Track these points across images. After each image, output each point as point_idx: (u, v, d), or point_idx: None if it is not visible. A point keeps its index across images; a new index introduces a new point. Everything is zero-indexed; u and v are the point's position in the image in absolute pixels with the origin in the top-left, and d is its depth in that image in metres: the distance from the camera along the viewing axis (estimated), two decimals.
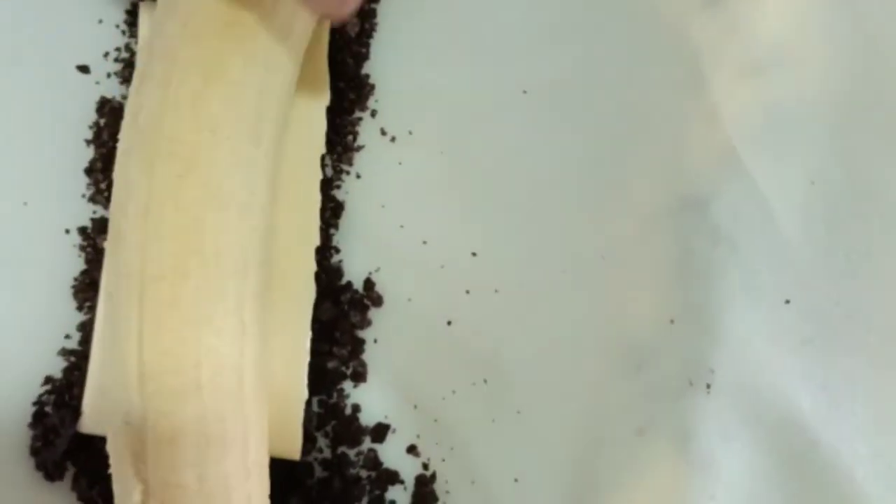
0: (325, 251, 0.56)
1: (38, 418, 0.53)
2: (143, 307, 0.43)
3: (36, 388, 0.54)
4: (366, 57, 0.59)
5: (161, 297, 0.43)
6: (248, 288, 0.46)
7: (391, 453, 0.55)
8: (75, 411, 0.52)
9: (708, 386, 0.54)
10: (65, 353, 0.54)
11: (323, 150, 0.55)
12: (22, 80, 0.57)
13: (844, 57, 0.57)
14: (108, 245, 0.48)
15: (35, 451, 0.53)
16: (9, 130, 0.56)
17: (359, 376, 0.56)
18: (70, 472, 0.53)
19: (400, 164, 0.58)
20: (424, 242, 0.57)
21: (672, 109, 0.58)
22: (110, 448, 0.45)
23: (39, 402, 0.53)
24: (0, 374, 0.53)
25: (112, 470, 0.45)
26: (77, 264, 0.55)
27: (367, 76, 0.59)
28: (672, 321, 0.55)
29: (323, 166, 0.56)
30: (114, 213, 0.46)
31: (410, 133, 0.58)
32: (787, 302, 0.55)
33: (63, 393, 0.53)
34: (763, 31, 0.58)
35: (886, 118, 0.56)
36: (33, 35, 0.57)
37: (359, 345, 0.56)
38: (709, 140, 0.57)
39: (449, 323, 0.56)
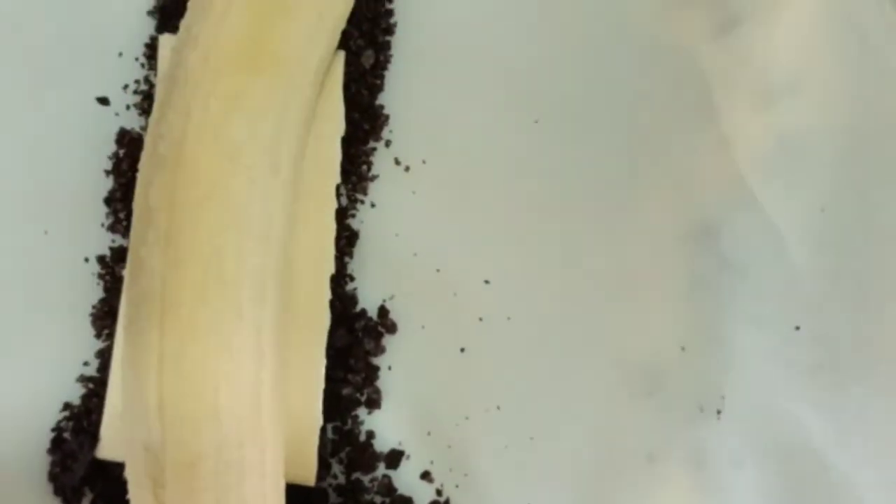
0: (340, 279, 0.57)
1: (57, 444, 0.54)
2: (162, 333, 0.44)
3: (55, 415, 0.54)
4: (380, 88, 0.60)
5: (181, 323, 0.44)
6: (267, 315, 0.46)
7: (405, 479, 0.55)
8: (93, 437, 0.53)
9: (718, 412, 0.55)
10: (83, 379, 0.55)
11: (338, 179, 0.55)
12: (43, 111, 0.57)
13: (854, 87, 0.58)
14: (128, 272, 0.48)
15: (53, 477, 0.53)
16: (31, 161, 0.57)
17: (373, 403, 0.56)
18: (88, 498, 0.53)
19: (414, 193, 0.58)
20: (438, 270, 0.57)
21: (683, 137, 0.58)
22: (129, 473, 0.46)
23: (58, 429, 0.54)
24: (20, 401, 0.54)
25: (130, 495, 0.46)
26: (96, 292, 0.56)
27: (382, 107, 0.59)
28: (683, 348, 0.56)
29: (338, 195, 0.56)
30: (133, 241, 0.47)
31: (424, 163, 0.59)
32: (797, 328, 0.56)
33: (81, 419, 0.54)
34: (774, 61, 0.59)
35: (892, 144, 0.57)
36: (54, 67, 0.58)
37: (373, 372, 0.56)
38: (719, 167, 0.58)
39: (462, 350, 0.56)
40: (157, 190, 0.46)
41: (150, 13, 0.60)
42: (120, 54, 0.59)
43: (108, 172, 0.57)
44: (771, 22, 0.59)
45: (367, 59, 0.59)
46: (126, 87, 0.58)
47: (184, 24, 0.51)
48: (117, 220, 0.56)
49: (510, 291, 0.57)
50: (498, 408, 0.56)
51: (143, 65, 0.59)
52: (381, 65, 0.60)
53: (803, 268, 0.56)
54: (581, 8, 0.60)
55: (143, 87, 0.58)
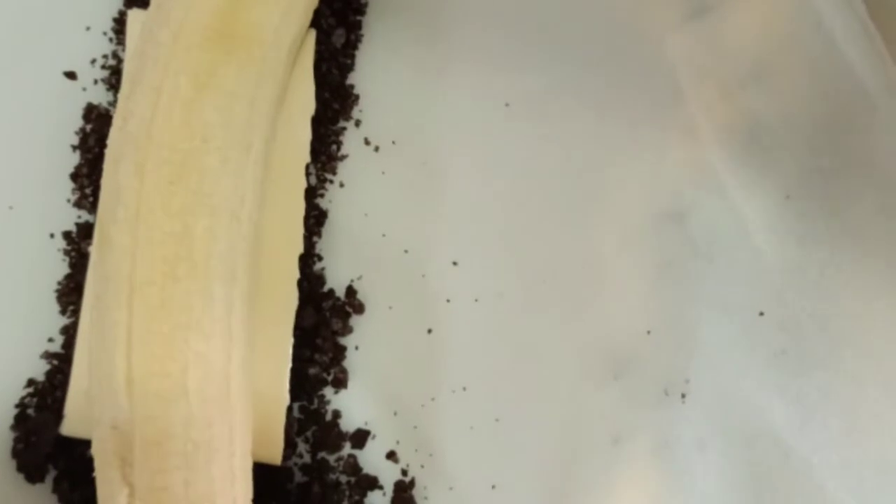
0: (309, 258, 0.57)
1: (20, 420, 0.53)
2: (131, 312, 0.44)
3: (18, 391, 0.54)
4: (351, 68, 0.60)
5: (150, 301, 0.44)
6: (237, 294, 0.46)
7: (371, 459, 0.55)
8: (58, 414, 0.52)
9: (683, 396, 0.56)
10: (48, 356, 0.54)
11: (308, 158, 0.55)
12: (8, 85, 0.57)
13: (818, 77, 0.59)
14: (95, 250, 0.48)
15: (16, 454, 0.53)
16: None
17: (339, 383, 0.56)
18: (51, 475, 0.53)
19: (383, 173, 0.58)
20: (406, 251, 0.57)
21: (652, 124, 0.59)
22: (95, 452, 0.45)
23: (22, 405, 0.54)
24: None
25: (97, 473, 0.45)
26: (61, 268, 0.55)
27: (352, 87, 0.59)
28: (649, 332, 0.56)
29: (307, 175, 0.56)
30: (101, 219, 0.47)
31: (394, 143, 0.59)
32: (762, 314, 0.57)
33: (46, 396, 0.54)
34: (742, 49, 0.59)
35: (858, 137, 0.58)
36: (20, 41, 0.57)
37: (340, 351, 0.56)
38: (688, 154, 0.58)
39: (429, 331, 0.57)
40: (126, 167, 0.45)
41: None
42: (87, 28, 0.58)
43: (74, 147, 0.57)
44: (739, 10, 0.60)
45: (338, 38, 0.59)
46: (94, 61, 0.58)
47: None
48: (83, 196, 0.56)
49: (478, 273, 0.57)
50: (464, 389, 0.56)
51: (111, 39, 0.58)
52: (351, 44, 0.60)
53: (769, 255, 0.57)
54: None
55: (111, 61, 0.58)
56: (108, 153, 0.47)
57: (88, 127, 0.57)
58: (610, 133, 0.59)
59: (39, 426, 0.52)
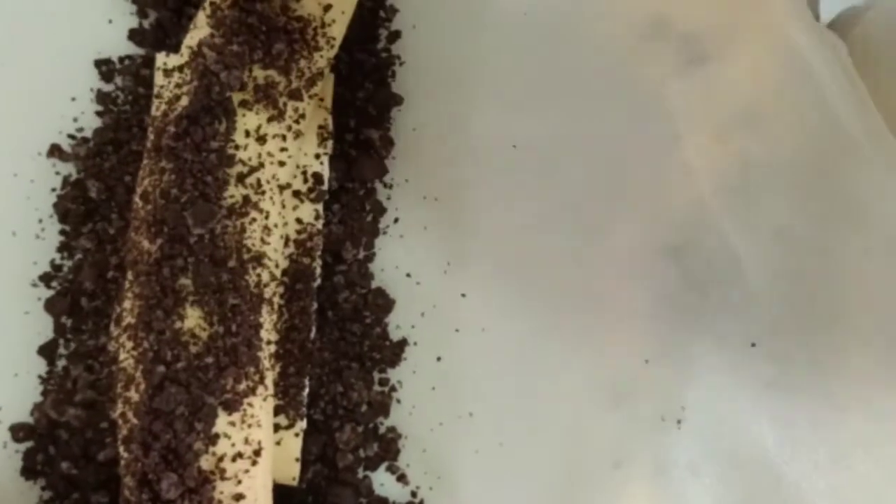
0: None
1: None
2: None
3: None
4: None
5: None
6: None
7: (383, 481, 0.57)
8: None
9: (679, 422, 0.58)
10: None
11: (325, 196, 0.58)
12: None
13: (806, 124, 0.61)
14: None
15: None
16: None
17: None
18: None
19: (397, 209, 0.61)
20: (418, 283, 0.60)
21: (650, 165, 0.61)
22: None
23: None
24: None
25: None
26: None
27: None
28: (647, 361, 0.58)
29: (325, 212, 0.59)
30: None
31: (407, 181, 0.61)
32: (754, 345, 0.59)
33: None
34: (735, 96, 0.62)
35: (843, 180, 0.61)
36: None
37: None
38: (684, 194, 0.61)
39: (438, 359, 0.59)
40: None
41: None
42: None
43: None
44: (732, 60, 0.62)
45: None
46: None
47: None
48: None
49: (486, 305, 0.59)
50: (471, 414, 0.58)
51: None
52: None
53: (760, 289, 0.59)
54: (557, 43, 0.63)
55: None
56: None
57: None
58: (611, 174, 0.61)
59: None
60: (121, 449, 0.48)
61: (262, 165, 0.52)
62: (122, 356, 0.49)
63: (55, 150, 0.59)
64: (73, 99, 0.60)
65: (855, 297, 0.60)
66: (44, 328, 0.57)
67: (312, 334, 0.56)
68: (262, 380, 0.49)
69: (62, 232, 0.58)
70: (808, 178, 0.61)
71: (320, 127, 0.58)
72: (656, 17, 0.63)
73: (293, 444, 0.54)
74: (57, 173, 0.59)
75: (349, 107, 0.61)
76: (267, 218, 0.51)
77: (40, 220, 0.58)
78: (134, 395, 0.48)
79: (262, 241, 0.51)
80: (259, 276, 0.50)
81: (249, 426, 0.48)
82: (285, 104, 0.53)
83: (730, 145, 0.61)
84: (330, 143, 0.58)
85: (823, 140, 0.61)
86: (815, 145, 0.61)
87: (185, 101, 0.51)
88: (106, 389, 0.55)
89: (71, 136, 0.59)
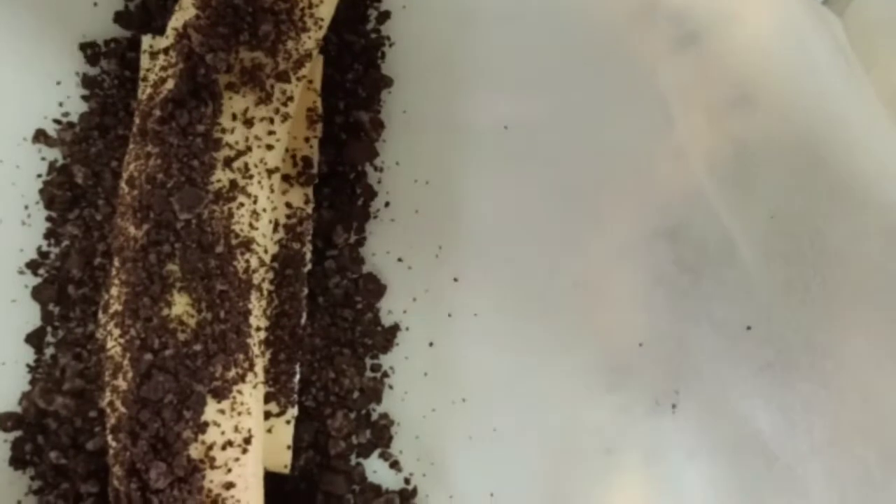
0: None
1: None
2: None
3: None
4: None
5: None
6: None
7: (375, 468, 0.57)
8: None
9: (673, 406, 0.57)
10: None
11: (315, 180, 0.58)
12: None
13: (801, 103, 0.60)
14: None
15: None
16: None
17: None
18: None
19: (388, 193, 0.60)
20: (410, 268, 0.59)
21: (644, 146, 0.61)
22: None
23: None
24: None
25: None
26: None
27: None
28: (641, 345, 0.58)
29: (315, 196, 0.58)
30: None
31: (398, 164, 0.61)
32: (749, 329, 0.58)
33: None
34: (727, 76, 0.61)
35: (838, 159, 0.60)
36: None
37: None
38: (678, 176, 0.60)
39: (431, 344, 0.59)
40: None
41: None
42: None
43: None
44: (724, 39, 0.62)
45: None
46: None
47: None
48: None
49: (478, 289, 0.59)
50: (463, 400, 0.58)
51: None
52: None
53: (755, 272, 0.59)
54: (548, 23, 0.63)
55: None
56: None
57: None
58: (604, 155, 0.61)
59: None
60: (109, 438, 0.48)
61: (249, 149, 0.51)
62: (109, 344, 0.49)
63: (41, 136, 0.58)
64: (59, 83, 0.59)
65: (851, 279, 0.59)
66: (31, 316, 0.57)
67: (303, 320, 0.56)
68: (251, 367, 0.49)
69: (49, 218, 0.58)
70: (801, 157, 0.60)
71: (309, 110, 0.57)
72: None
73: (284, 431, 0.54)
74: (43, 159, 0.58)
75: (338, 89, 0.61)
76: (255, 202, 0.51)
77: (26, 207, 0.58)
78: (121, 384, 0.47)
79: (251, 226, 0.50)
80: (248, 261, 0.50)
81: (239, 414, 0.48)
82: (273, 86, 0.53)
83: (723, 126, 0.61)
84: (319, 126, 0.58)
85: (818, 120, 0.61)
86: (810, 125, 0.61)
87: (170, 84, 0.51)
88: (94, 378, 0.54)
89: (56, 121, 0.59)
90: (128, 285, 0.49)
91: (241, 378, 0.48)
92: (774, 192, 0.60)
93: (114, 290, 0.50)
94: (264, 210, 0.52)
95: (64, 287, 0.57)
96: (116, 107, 0.59)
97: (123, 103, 0.59)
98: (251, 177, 0.51)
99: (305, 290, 0.56)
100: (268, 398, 0.53)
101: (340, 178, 0.60)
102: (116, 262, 0.50)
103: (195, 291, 0.48)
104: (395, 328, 0.59)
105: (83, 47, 0.60)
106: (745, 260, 0.59)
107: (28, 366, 0.56)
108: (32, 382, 0.56)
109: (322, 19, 0.54)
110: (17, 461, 0.55)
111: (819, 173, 0.60)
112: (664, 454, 0.57)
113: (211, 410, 0.47)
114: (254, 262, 0.50)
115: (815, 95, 0.61)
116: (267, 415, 0.53)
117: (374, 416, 0.58)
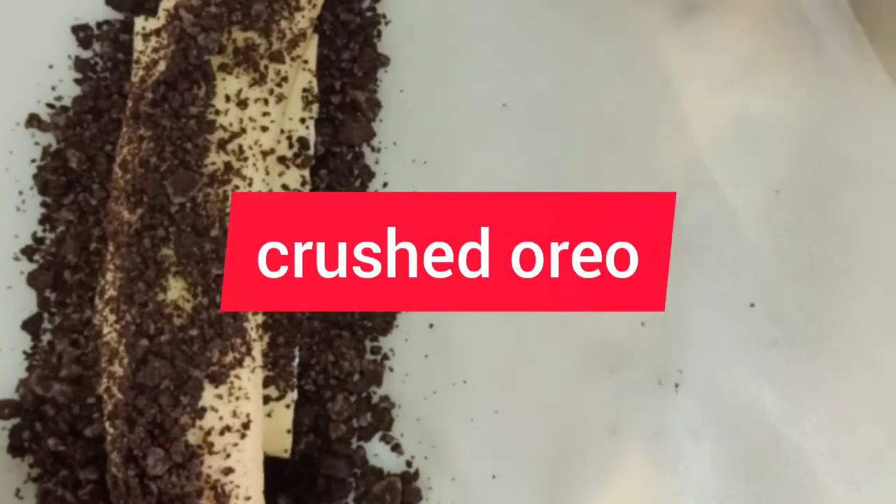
0: None
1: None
2: None
3: None
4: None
5: None
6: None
7: (377, 451, 0.57)
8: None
9: (676, 385, 0.57)
10: None
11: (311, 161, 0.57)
12: None
13: (803, 77, 0.60)
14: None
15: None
16: None
17: None
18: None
19: (385, 174, 0.60)
20: None
21: (645, 121, 0.60)
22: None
23: None
24: None
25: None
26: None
27: None
28: (643, 324, 0.58)
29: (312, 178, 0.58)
30: None
31: (395, 144, 0.60)
32: (752, 305, 0.58)
33: None
34: (731, 48, 0.61)
35: (842, 132, 0.59)
36: None
37: None
38: (679, 150, 0.60)
39: (431, 326, 0.58)
40: None
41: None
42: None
43: None
44: (726, 10, 0.61)
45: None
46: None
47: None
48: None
49: None
50: (465, 382, 0.57)
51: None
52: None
53: (758, 247, 0.59)
54: None
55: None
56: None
57: None
58: (604, 131, 0.60)
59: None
60: (106, 425, 0.47)
61: (243, 131, 0.51)
62: (105, 330, 0.48)
63: (34, 120, 0.58)
64: (51, 67, 0.59)
65: (856, 253, 0.59)
66: (27, 302, 0.56)
67: None
68: (249, 351, 0.48)
69: (43, 204, 0.57)
70: (804, 130, 0.60)
71: (304, 90, 0.57)
72: None
73: (284, 415, 0.53)
74: (36, 144, 0.58)
75: (334, 68, 0.60)
76: (250, 185, 0.50)
77: (20, 192, 0.57)
78: (118, 370, 0.47)
79: None
80: None
81: (237, 399, 0.47)
82: (267, 67, 0.52)
83: (725, 99, 0.60)
84: (315, 107, 0.57)
85: (821, 91, 0.60)
86: (813, 97, 0.60)
87: (162, 65, 0.50)
88: (92, 364, 0.54)
89: (50, 105, 0.58)
90: (122, 270, 0.48)
91: (239, 362, 0.48)
92: (777, 165, 0.60)
93: (109, 276, 0.49)
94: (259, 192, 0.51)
95: (60, 273, 0.56)
96: (110, 90, 0.58)
97: (117, 86, 0.58)
98: (246, 159, 0.51)
99: None
100: (267, 382, 0.52)
101: (337, 159, 0.59)
102: (111, 247, 0.50)
103: (190, 276, 0.48)
104: None
105: (75, 30, 0.59)
106: (748, 235, 0.59)
107: (25, 353, 0.56)
108: (29, 369, 0.55)
109: None
110: (16, 449, 0.54)
111: (823, 145, 0.60)
112: (668, 434, 0.57)
113: (208, 395, 0.47)
114: None
115: (818, 66, 0.60)
116: (266, 399, 0.52)
117: (375, 399, 0.57)
